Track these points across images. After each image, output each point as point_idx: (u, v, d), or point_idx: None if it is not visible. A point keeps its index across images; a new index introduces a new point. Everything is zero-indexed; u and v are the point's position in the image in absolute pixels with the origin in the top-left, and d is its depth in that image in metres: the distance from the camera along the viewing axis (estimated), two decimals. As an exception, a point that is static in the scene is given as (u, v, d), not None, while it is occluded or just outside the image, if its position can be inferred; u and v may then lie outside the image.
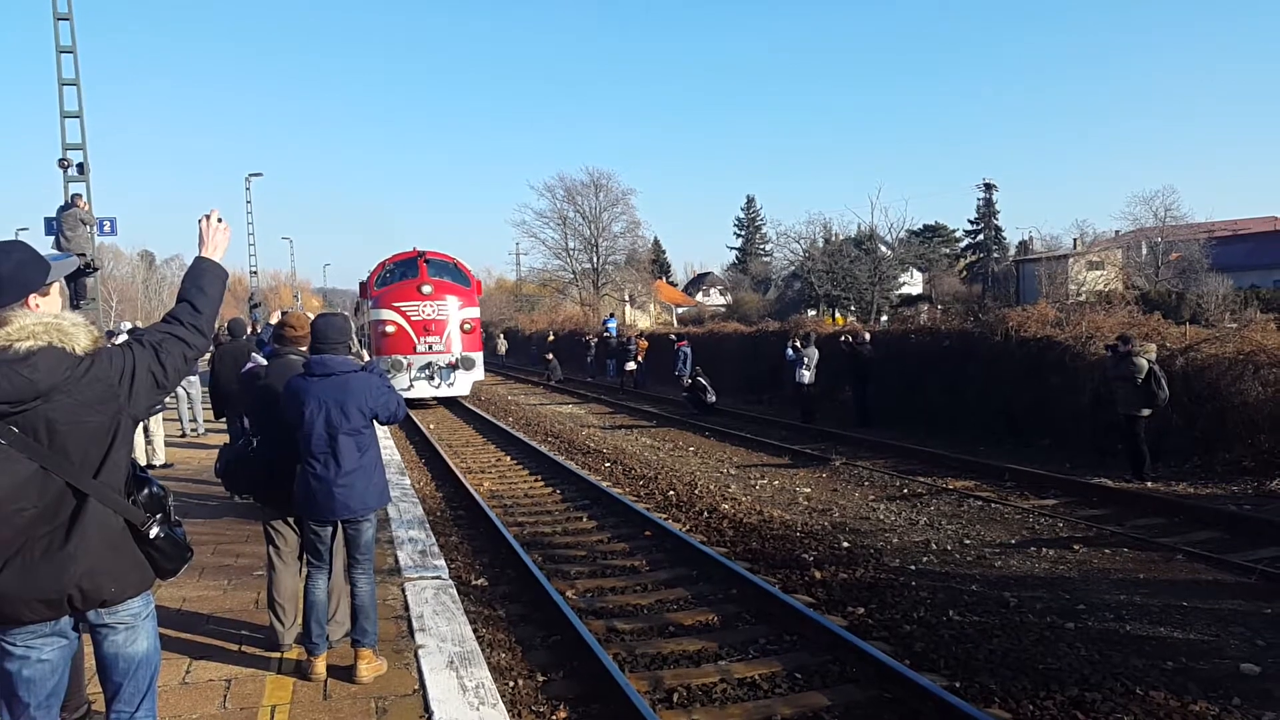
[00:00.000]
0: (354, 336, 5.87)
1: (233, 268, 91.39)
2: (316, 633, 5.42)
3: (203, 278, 3.42)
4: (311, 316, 6.35)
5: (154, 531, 3.13)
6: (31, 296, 3.04)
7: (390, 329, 25.54)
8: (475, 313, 26.99)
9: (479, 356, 26.76)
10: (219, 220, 3.54)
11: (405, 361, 25.36)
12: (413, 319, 25.56)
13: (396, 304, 25.72)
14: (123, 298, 71.76)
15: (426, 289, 25.85)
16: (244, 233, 53.64)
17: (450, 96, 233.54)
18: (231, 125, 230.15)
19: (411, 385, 25.40)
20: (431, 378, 25.72)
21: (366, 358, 6.71)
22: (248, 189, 52.66)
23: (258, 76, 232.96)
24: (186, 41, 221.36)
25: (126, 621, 3.14)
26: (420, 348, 25.58)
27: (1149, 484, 12.77)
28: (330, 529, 5.48)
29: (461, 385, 26.28)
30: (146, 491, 3.20)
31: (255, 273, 56.78)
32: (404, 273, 26.99)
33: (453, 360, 25.83)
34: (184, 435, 16.71)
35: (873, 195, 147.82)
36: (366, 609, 5.39)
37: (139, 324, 26.35)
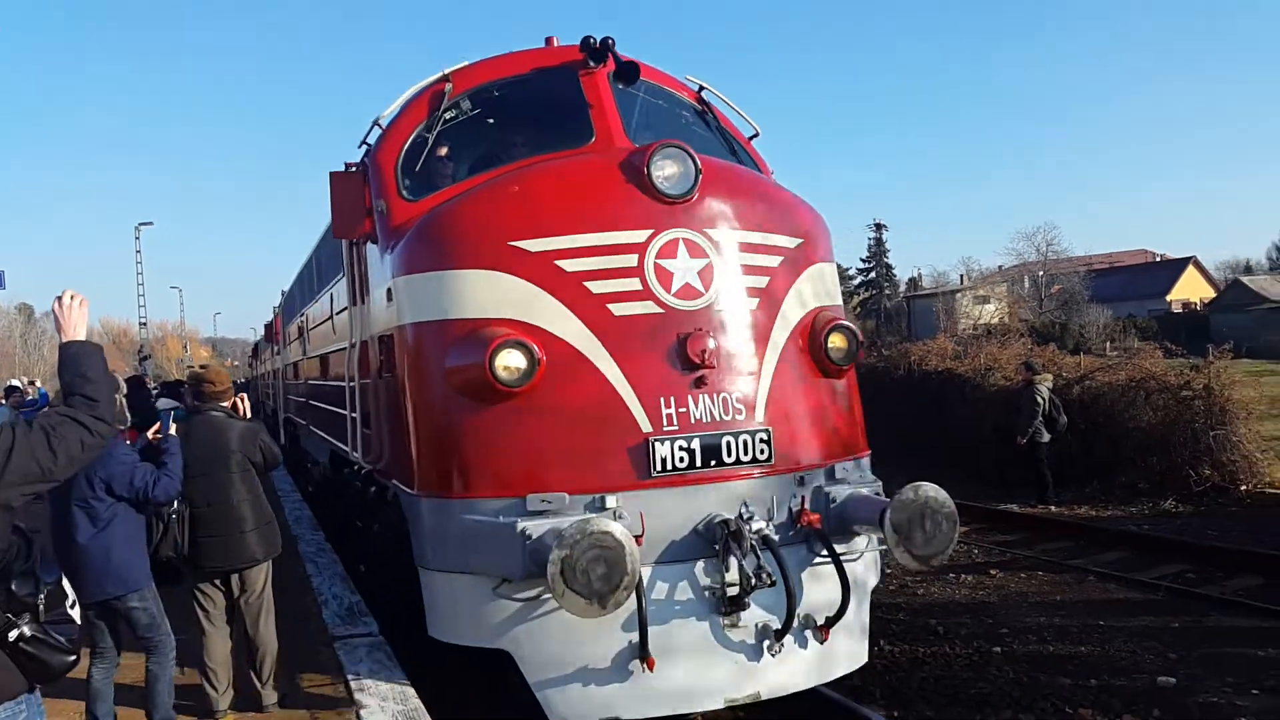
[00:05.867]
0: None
1: (121, 319, 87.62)
2: None
3: (81, 364, 3.10)
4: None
5: (13, 634, 2.80)
6: None
7: (510, 364, 5.26)
8: (832, 288, 6.50)
9: (869, 477, 6.13)
10: (71, 298, 3.25)
11: (590, 533, 4.61)
12: (617, 309, 5.46)
13: (524, 244, 5.53)
14: (0, 352, 68.21)
15: (666, 173, 5.56)
16: (134, 283, 51.70)
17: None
18: (119, 172, 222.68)
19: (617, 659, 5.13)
20: (731, 612, 5.17)
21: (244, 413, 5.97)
22: (137, 238, 50.84)
23: (147, 121, 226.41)
24: (71, 85, 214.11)
25: None
26: (665, 457, 5.24)
27: (1053, 508, 13.29)
28: (95, 606, 5.02)
29: (850, 646, 5.70)
30: (4, 589, 2.86)
31: (144, 324, 54.65)
32: (538, 116, 6.96)
33: (833, 491, 5.66)
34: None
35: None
36: (160, 697, 5.16)
37: (22, 379, 25.06)
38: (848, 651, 5.65)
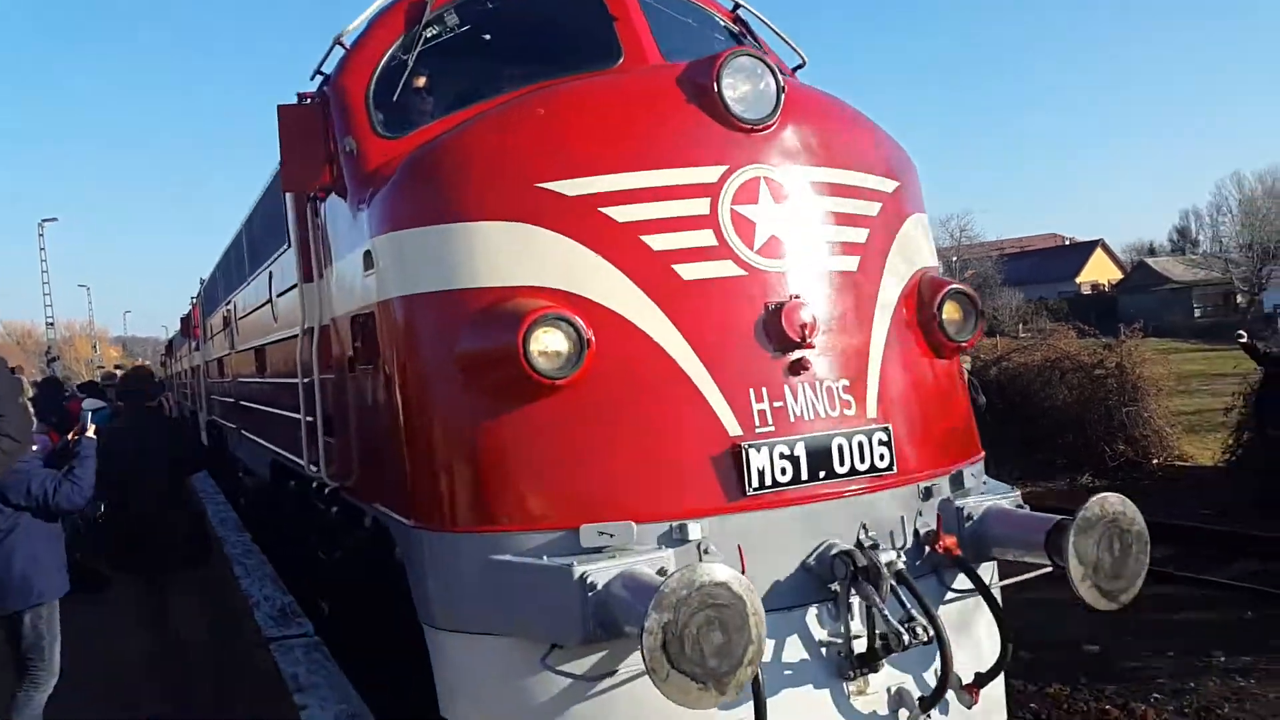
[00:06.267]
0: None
1: (25, 320, 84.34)
2: None
3: None
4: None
5: None
6: None
7: (549, 348, 3.86)
8: (931, 244, 5.21)
9: (998, 485, 4.95)
10: None
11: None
12: (687, 272, 4.07)
13: (557, 185, 4.09)
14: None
15: (740, 92, 4.16)
16: (39, 282, 49.74)
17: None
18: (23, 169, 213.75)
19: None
20: (860, 674, 3.92)
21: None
22: (41, 235, 48.86)
23: (52, 118, 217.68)
24: None
25: None
26: (763, 468, 3.89)
27: (976, 486, 13.67)
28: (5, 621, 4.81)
29: (993, 705, 4.40)
30: None
31: (52, 324, 52.57)
32: (546, 31, 5.56)
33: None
34: None
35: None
36: None
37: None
38: (991, 712, 4.33)
